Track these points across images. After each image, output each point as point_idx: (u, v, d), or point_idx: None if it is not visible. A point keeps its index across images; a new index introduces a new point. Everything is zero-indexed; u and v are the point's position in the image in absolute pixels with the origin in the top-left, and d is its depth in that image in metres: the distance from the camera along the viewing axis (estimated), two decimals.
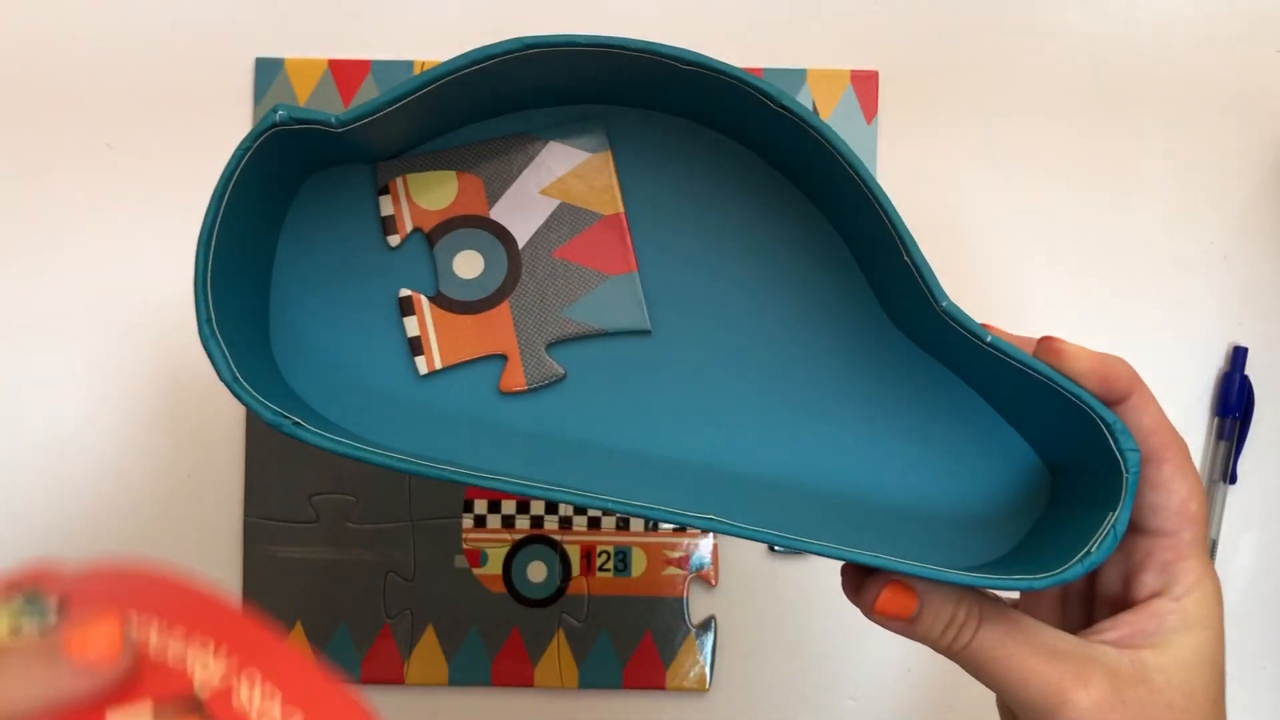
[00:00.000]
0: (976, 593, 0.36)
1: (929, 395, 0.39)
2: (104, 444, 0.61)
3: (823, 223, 0.39)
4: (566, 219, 0.40)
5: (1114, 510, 0.34)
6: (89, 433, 0.61)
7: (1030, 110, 0.61)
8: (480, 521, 0.61)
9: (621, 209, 0.39)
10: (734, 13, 0.62)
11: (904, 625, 0.36)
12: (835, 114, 0.61)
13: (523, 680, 0.60)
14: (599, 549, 0.61)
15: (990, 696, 0.62)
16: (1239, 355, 0.60)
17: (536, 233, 0.39)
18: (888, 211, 0.34)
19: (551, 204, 0.40)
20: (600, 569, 0.61)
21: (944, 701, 0.61)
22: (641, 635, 0.60)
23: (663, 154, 0.39)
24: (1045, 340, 0.36)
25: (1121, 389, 0.35)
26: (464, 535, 0.61)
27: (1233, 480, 0.60)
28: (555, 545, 0.61)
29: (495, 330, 0.39)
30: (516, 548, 0.61)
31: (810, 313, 0.39)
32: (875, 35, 0.61)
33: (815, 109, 0.61)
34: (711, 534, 0.61)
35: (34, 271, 0.61)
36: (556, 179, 0.40)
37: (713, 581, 0.61)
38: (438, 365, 0.39)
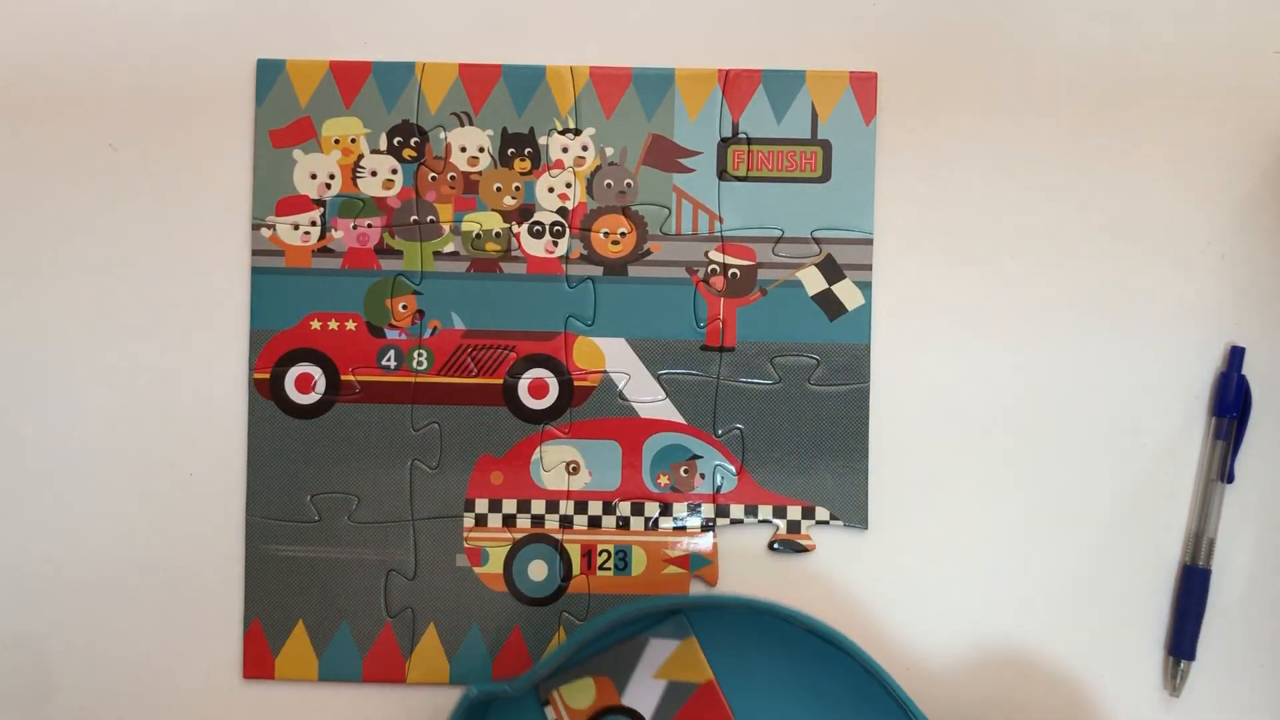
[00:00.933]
0: None
1: None
2: (105, 443, 0.61)
3: (856, 667, 0.55)
4: (675, 692, 0.57)
5: None
6: (90, 432, 0.61)
7: (1028, 111, 0.62)
8: (481, 520, 0.61)
9: (712, 676, 0.57)
10: (734, 14, 0.62)
11: None
12: (834, 115, 0.61)
13: None
14: (599, 548, 0.61)
15: (987, 695, 0.62)
16: (1236, 355, 0.60)
17: (657, 707, 0.57)
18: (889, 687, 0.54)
19: (662, 684, 0.57)
20: (601, 568, 0.61)
21: (943, 700, 0.61)
22: None
23: (731, 630, 0.57)
24: None
25: None
26: (465, 534, 0.61)
27: (1230, 479, 0.60)
28: (556, 544, 0.61)
29: None
30: (517, 546, 0.61)
31: None
32: (874, 36, 0.62)
33: (815, 110, 0.61)
34: (711, 532, 0.61)
35: (36, 271, 0.62)
36: (661, 665, 0.57)
37: (713, 580, 0.61)
38: None
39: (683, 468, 0.61)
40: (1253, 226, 0.61)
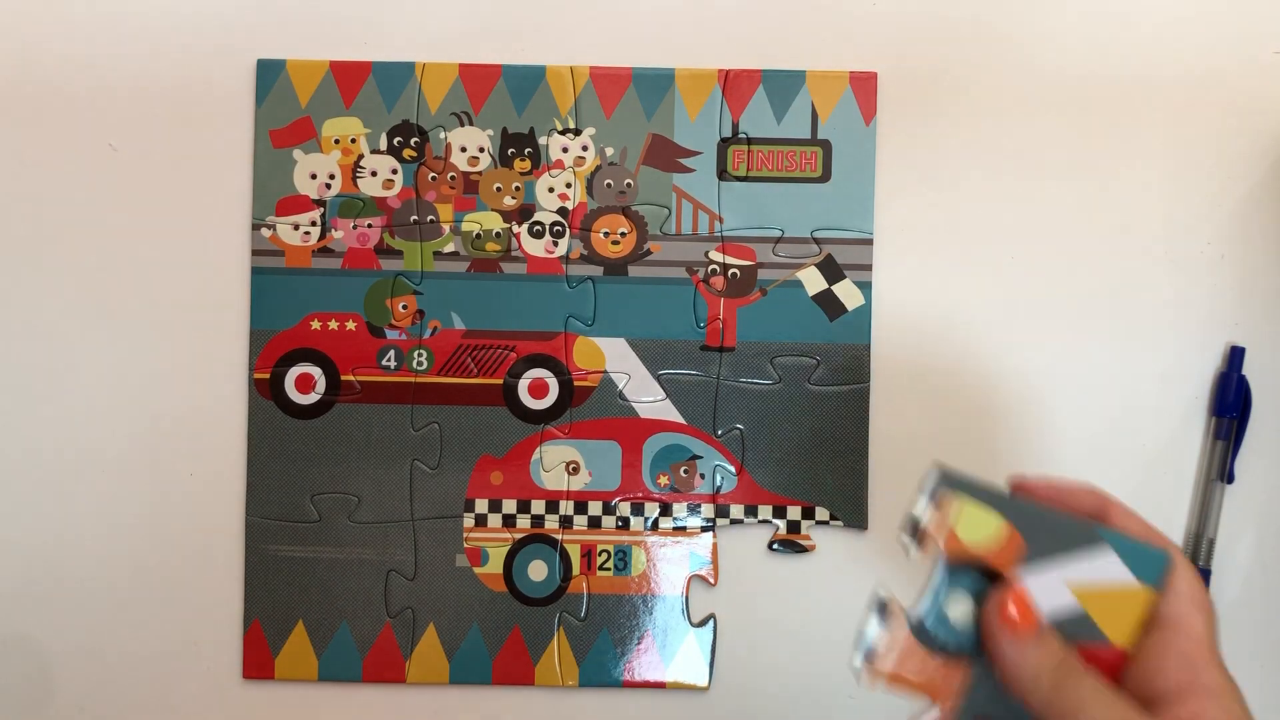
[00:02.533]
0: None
1: None
2: (105, 443, 0.61)
3: None
4: (1075, 624, 0.38)
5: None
6: (90, 432, 0.61)
7: (1028, 111, 0.62)
8: (481, 520, 0.61)
9: (1129, 647, 0.38)
10: (734, 15, 0.62)
11: (1019, 649, 0.37)
12: (834, 115, 0.61)
13: (523, 679, 0.61)
14: (599, 548, 0.61)
15: None
16: (1236, 355, 0.60)
17: (1050, 613, 0.38)
18: None
19: (1072, 602, 0.38)
20: (600, 568, 0.61)
21: None
22: (642, 633, 0.61)
23: None
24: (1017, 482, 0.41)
25: (1100, 508, 0.40)
26: (465, 534, 0.61)
27: (1230, 480, 0.60)
28: (556, 544, 0.61)
29: (944, 683, 0.38)
30: (517, 547, 0.61)
31: None
32: (874, 37, 0.62)
33: (815, 110, 0.61)
34: (711, 532, 0.61)
35: (37, 271, 0.62)
36: (1089, 583, 0.39)
37: (712, 580, 0.61)
38: (882, 669, 0.39)
39: (683, 468, 0.61)
40: (1253, 226, 0.61)
